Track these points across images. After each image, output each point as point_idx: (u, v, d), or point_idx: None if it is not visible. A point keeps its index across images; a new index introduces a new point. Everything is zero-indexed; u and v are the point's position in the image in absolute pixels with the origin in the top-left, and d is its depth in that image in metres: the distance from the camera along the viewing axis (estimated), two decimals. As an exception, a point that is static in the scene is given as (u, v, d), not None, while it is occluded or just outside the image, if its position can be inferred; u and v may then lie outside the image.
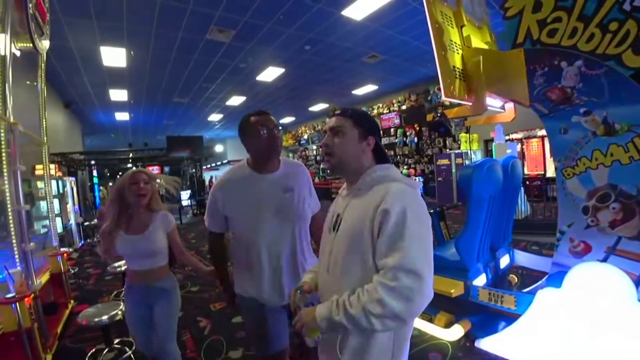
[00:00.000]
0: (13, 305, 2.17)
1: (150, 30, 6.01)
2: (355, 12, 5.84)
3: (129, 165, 13.79)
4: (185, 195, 14.84)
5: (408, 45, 7.56)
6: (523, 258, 3.27)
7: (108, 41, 6.31)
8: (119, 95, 9.87)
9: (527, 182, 7.93)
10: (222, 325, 3.41)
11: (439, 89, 9.97)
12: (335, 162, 1.15)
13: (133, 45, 6.60)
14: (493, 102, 3.11)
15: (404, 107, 11.92)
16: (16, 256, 2.55)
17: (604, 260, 2.20)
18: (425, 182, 11.04)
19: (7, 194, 2.63)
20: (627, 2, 2.01)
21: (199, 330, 3.32)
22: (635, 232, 2.09)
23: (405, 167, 11.98)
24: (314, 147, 17.11)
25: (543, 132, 7.99)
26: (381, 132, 1.28)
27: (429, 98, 10.86)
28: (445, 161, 9.73)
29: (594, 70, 2.15)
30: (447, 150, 10.33)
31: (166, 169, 23.42)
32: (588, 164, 2.23)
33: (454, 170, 9.29)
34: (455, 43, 2.67)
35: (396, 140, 12.26)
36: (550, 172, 7.94)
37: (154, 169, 21.77)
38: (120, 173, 25.94)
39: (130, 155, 12.84)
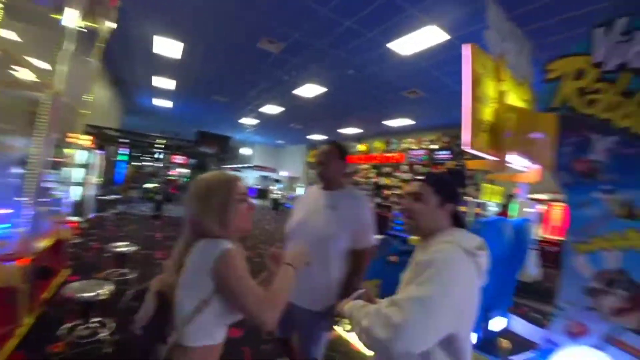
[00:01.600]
0: (6, 262, 2.22)
1: (207, 30, 6.28)
2: (404, 47, 5.91)
3: (156, 150, 14.17)
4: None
5: (450, 88, 7.55)
6: (519, 325, 3.10)
7: (164, 32, 6.62)
8: (165, 83, 10.27)
9: (545, 246, 7.60)
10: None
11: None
12: (414, 225, 1.30)
13: (188, 40, 6.91)
14: (519, 160, 3.03)
15: (433, 147, 11.82)
16: (23, 217, 2.63)
17: (600, 347, 2.05)
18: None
19: (34, 157, 2.76)
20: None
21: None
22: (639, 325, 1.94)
23: (423, 206, 11.79)
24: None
25: (571, 200, 7.66)
26: (459, 195, 1.41)
27: (458, 142, 10.72)
28: (464, 208, 9.51)
29: (627, 149, 2.05)
30: (467, 197, 10.11)
31: (192, 160, 24.09)
32: (601, 244, 2.10)
33: (470, 219, 9.07)
34: (489, 97, 2.64)
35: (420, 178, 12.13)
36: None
37: (180, 159, 22.43)
38: (148, 157, 26.40)
39: (160, 141, 13.18)
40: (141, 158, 22.93)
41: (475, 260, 1.14)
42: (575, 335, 2.17)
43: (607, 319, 2.06)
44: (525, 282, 3.08)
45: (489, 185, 9.28)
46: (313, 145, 18.97)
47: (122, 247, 4.10)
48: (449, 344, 1.09)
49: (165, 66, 8.63)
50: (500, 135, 2.52)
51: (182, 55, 7.72)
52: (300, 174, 20.28)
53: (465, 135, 2.34)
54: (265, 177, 24.09)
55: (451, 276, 1.06)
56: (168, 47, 7.31)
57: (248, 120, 14.44)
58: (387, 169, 13.78)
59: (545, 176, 3.30)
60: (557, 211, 7.95)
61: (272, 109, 11.92)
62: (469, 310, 1.14)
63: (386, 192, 13.55)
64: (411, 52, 6.04)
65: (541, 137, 2.45)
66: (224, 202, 1.13)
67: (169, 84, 10.28)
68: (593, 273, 2.14)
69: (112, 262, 4.29)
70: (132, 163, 19.42)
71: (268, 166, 22.74)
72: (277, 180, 22.29)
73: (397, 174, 13.23)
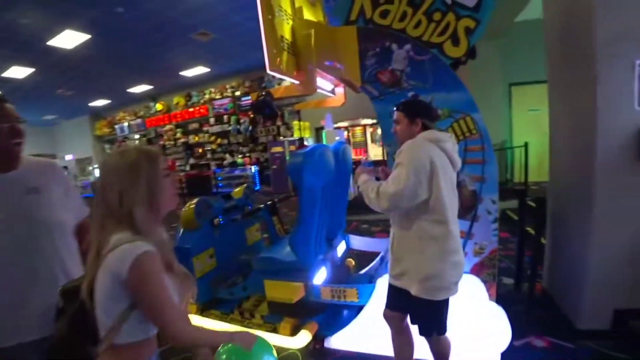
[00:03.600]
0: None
1: None
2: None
3: None
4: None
5: (242, 26, 7.04)
6: (357, 242, 3.26)
7: None
8: None
9: (353, 166, 8.63)
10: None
11: (273, 76, 9.69)
12: (400, 142, 1.68)
13: None
14: (324, 84, 2.94)
15: (237, 93, 11.38)
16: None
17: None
18: (260, 171, 10.87)
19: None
20: (448, -5, 2.09)
21: None
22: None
23: (239, 155, 11.55)
24: (137, 136, 14.62)
25: (366, 121, 8.91)
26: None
27: (264, 85, 10.65)
28: (279, 148, 9.75)
29: (421, 56, 2.21)
30: (281, 137, 10.38)
31: None
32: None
33: (287, 158, 9.38)
34: (285, 11, 2.32)
35: (229, 128, 11.66)
36: (373, 157, 8.87)
37: None
38: None
39: None
40: None
41: (439, 145, 1.55)
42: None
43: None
44: (349, 200, 3.27)
45: (297, 122, 9.72)
46: (98, 113, 15.47)
47: None
48: (425, 205, 1.53)
49: None
50: (302, 54, 2.29)
51: None
52: (90, 152, 16.35)
53: (267, 55, 2.00)
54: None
55: (413, 154, 1.51)
56: None
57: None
58: (194, 125, 12.67)
59: (348, 101, 3.39)
60: (358, 134, 9.15)
61: (18, 72, 8.76)
62: (438, 180, 1.50)
63: (200, 150, 12.60)
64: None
65: (344, 53, 2.34)
66: (151, 180, 0.96)
67: None
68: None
69: None
70: None
71: (41, 153, 17.54)
72: (64, 168, 17.61)
73: (206, 128, 12.36)
